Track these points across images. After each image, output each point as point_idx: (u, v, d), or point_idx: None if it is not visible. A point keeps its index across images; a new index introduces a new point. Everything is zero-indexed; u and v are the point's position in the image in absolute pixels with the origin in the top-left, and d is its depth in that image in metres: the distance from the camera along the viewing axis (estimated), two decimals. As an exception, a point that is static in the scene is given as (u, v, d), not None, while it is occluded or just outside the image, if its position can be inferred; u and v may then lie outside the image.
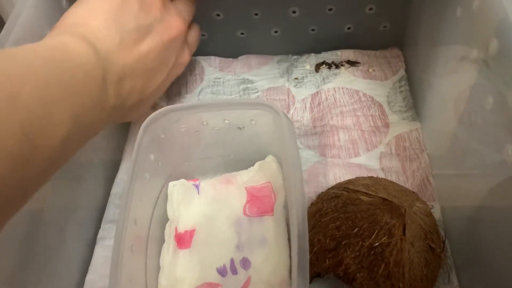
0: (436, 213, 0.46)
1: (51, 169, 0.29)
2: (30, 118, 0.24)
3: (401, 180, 0.49)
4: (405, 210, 0.37)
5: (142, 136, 0.42)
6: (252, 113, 0.45)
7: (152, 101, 0.45)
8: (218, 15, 0.58)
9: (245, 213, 0.46)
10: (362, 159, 0.51)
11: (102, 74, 0.31)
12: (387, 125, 0.54)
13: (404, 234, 0.37)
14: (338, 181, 0.48)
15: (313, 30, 0.60)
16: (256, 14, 0.58)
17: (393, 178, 0.49)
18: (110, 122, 0.36)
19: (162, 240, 0.45)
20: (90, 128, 0.32)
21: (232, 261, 0.43)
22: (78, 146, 0.32)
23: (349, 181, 0.43)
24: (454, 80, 0.47)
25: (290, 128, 0.41)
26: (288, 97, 0.59)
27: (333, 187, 0.44)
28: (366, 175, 0.48)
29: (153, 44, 0.39)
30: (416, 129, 0.53)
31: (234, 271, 0.43)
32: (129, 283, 0.36)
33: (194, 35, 0.48)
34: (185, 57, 0.46)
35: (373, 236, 0.37)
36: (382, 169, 0.50)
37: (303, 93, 0.59)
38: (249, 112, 0.45)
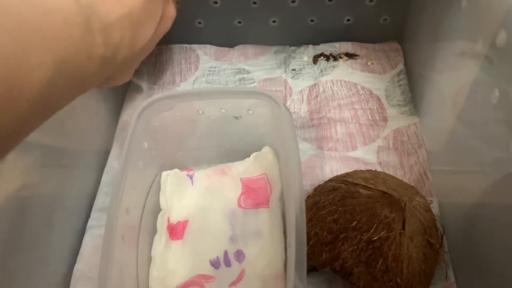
0: (434, 209, 0.45)
1: (35, 118, 0.27)
2: (3, 59, 0.23)
3: (398, 175, 0.48)
4: (405, 204, 0.36)
5: (136, 122, 0.41)
6: (249, 102, 0.44)
7: (142, 58, 0.45)
8: (216, 2, 0.57)
9: (239, 205, 0.45)
10: (359, 153, 0.50)
11: (85, 20, 0.30)
12: (385, 119, 0.53)
13: (404, 229, 0.36)
14: (335, 174, 0.47)
15: (312, 21, 0.59)
16: (255, 3, 0.57)
17: (390, 172, 0.48)
18: (102, 78, 0.35)
19: (154, 231, 0.44)
20: (78, 78, 0.30)
21: (225, 253, 0.42)
22: (67, 97, 0.30)
23: (347, 174, 0.42)
24: (453, 76, 0.46)
25: (289, 118, 0.40)
26: (285, 89, 0.57)
27: (330, 180, 0.43)
28: (363, 169, 0.47)
29: None
30: (415, 123, 0.53)
31: (228, 263, 0.42)
32: (120, 273, 0.35)
33: None
34: (171, 11, 0.46)
35: (372, 230, 0.36)
36: (380, 163, 0.49)
37: (300, 84, 0.58)
38: (247, 101, 0.44)
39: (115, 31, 0.35)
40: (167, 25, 0.46)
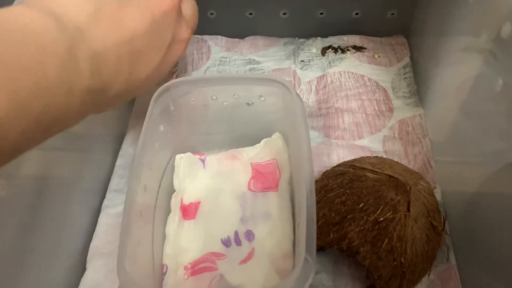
0: (437, 196, 0.47)
1: None
2: None
3: (403, 163, 0.49)
4: (410, 188, 0.38)
5: (153, 106, 0.43)
6: (262, 89, 0.46)
7: (147, 89, 0.38)
8: (228, -7, 0.59)
9: (249, 188, 0.47)
10: (365, 142, 0.52)
11: (68, 49, 0.26)
12: (391, 110, 0.55)
13: (409, 211, 0.38)
14: (342, 161, 0.49)
15: (321, 13, 0.61)
16: (265, -5, 0.59)
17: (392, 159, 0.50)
18: (89, 111, 0.30)
19: (168, 210, 0.45)
20: (50, 116, 0.25)
21: (236, 233, 0.44)
22: (35, 138, 0.26)
23: (355, 160, 0.44)
24: (458, 69, 0.48)
25: (300, 105, 0.42)
26: (294, 79, 0.59)
27: (338, 165, 0.45)
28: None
29: (141, 18, 0.33)
30: (419, 114, 0.54)
31: (238, 242, 0.43)
32: (138, 246, 0.37)
33: (190, 8, 0.41)
34: (184, 33, 0.39)
35: (378, 211, 0.38)
36: (385, 152, 0.51)
37: (309, 75, 0.59)
38: (259, 88, 0.45)
39: (110, 59, 0.30)
40: (179, 50, 0.39)
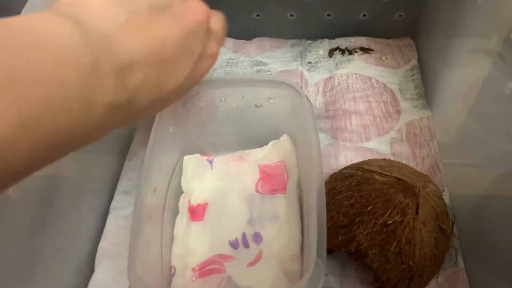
0: (445, 199, 0.47)
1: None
2: None
3: (411, 166, 0.49)
4: (419, 190, 0.38)
5: (163, 107, 0.43)
6: (270, 91, 0.46)
7: (175, 100, 0.36)
8: (234, -4, 0.59)
9: (257, 190, 0.47)
10: (373, 144, 0.52)
11: (91, 62, 0.24)
12: (398, 112, 0.55)
13: (417, 214, 0.38)
14: (349, 163, 0.49)
15: (328, 15, 0.61)
16: (274, -3, 0.59)
17: (400, 162, 0.50)
18: (112, 126, 0.28)
19: (176, 211, 0.46)
20: (66, 133, 0.23)
21: (244, 235, 0.44)
22: (47, 156, 0.24)
23: (363, 162, 0.44)
24: (466, 71, 0.48)
25: (309, 107, 0.42)
26: (301, 81, 0.59)
27: (346, 167, 0.45)
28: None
29: (173, 27, 0.31)
30: (427, 117, 0.54)
31: (246, 244, 0.44)
32: (148, 247, 0.37)
33: (219, 22, 0.39)
34: (213, 47, 0.36)
35: (387, 214, 0.38)
36: (393, 154, 0.51)
37: (316, 77, 0.60)
38: (268, 90, 0.46)
39: (137, 72, 0.28)
40: (207, 64, 0.37)
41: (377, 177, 0.40)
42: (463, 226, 0.45)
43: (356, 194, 0.40)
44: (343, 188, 0.41)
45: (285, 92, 0.44)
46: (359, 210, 0.39)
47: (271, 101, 0.47)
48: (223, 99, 0.47)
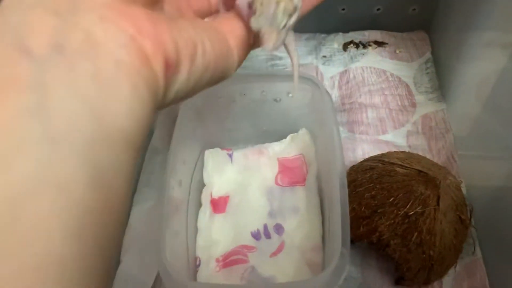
0: (462, 190, 0.48)
1: None
2: None
3: (427, 158, 0.50)
4: (440, 182, 0.39)
5: (183, 103, 0.44)
6: (289, 86, 0.46)
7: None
8: (251, -10, 0.59)
9: (277, 183, 0.48)
10: (389, 137, 0.53)
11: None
12: (413, 105, 0.56)
13: (438, 205, 0.38)
14: (367, 156, 0.50)
15: (343, 9, 0.61)
16: (289, -9, 0.59)
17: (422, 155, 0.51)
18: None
19: (199, 204, 0.47)
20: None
21: (265, 226, 0.45)
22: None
23: (383, 155, 0.45)
24: (481, 64, 0.49)
25: (329, 101, 0.43)
26: (317, 74, 0.60)
27: (366, 160, 0.46)
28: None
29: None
30: (442, 109, 0.55)
31: (268, 235, 0.45)
32: (175, 238, 0.38)
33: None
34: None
35: (408, 206, 0.39)
36: (409, 146, 0.52)
37: (331, 71, 0.60)
38: (287, 84, 0.46)
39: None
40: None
41: (398, 169, 0.41)
42: (480, 216, 0.45)
43: (377, 186, 0.41)
44: (365, 180, 0.42)
45: (304, 86, 0.45)
46: (381, 201, 0.40)
47: (290, 95, 0.47)
48: (242, 94, 0.48)
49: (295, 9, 0.20)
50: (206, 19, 0.25)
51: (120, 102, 0.15)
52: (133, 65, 0.15)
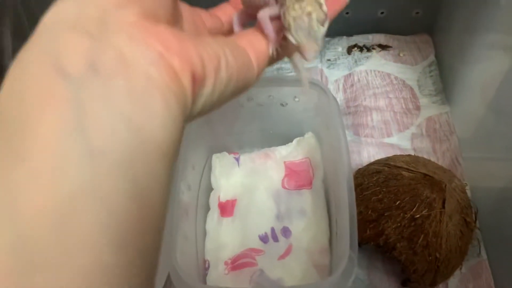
0: (467, 192, 0.48)
1: None
2: None
3: (432, 160, 0.51)
4: (445, 186, 0.40)
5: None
6: (296, 90, 0.47)
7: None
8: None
9: (283, 186, 0.49)
10: (394, 139, 0.53)
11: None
12: (418, 108, 0.56)
13: (444, 208, 0.39)
14: (372, 159, 0.51)
15: (347, 13, 0.62)
16: (293, -4, 0.60)
17: (424, 157, 0.51)
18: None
19: (207, 207, 0.47)
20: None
21: (273, 229, 0.46)
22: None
23: (388, 158, 0.46)
24: (485, 66, 0.49)
25: (335, 105, 0.43)
26: (322, 78, 0.61)
27: (372, 163, 0.46)
28: (399, 154, 0.50)
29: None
30: (446, 112, 0.56)
31: (275, 238, 0.45)
32: (185, 241, 0.39)
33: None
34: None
35: (414, 209, 0.39)
36: (414, 149, 0.52)
37: (336, 74, 0.61)
38: (294, 89, 0.47)
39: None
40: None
41: (404, 173, 0.42)
42: (485, 218, 0.46)
43: (384, 189, 0.41)
44: (371, 184, 0.42)
45: (310, 90, 0.46)
46: (387, 205, 0.40)
47: (296, 99, 0.48)
48: (249, 98, 0.48)
49: (326, 16, 0.21)
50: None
51: (153, 116, 0.15)
52: (163, 81, 0.16)
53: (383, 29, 0.64)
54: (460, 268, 0.43)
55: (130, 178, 0.14)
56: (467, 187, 0.48)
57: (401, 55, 0.62)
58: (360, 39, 0.64)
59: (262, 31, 0.22)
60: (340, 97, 0.58)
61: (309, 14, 0.20)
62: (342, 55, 0.63)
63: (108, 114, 0.14)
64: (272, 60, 0.23)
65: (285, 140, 0.52)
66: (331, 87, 0.59)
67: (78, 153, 0.13)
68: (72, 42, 0.15)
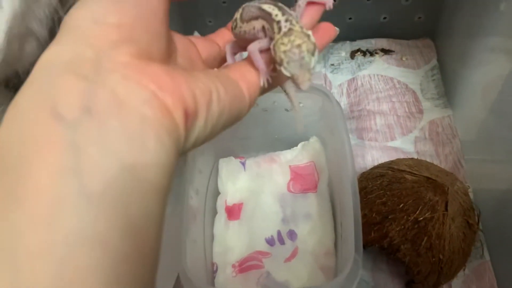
0: (469, 194, 0.49)
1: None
2: None
3: (434, 163, 0.52)
4: (448, 188, 0.40)
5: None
6: (301, 96, 0.48)
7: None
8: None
9: (289, 190, 0.50)
10: (398, 143, 0.54)
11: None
12: (421, 111, 0.57)
13: (446, 210, 0.40)
14: (376, 162, 0.52)
15: (350, 18, 0.63)
16: (297, 1, 0.61)
17: (427, 160, 0.52)
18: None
19: (215, 211, 0.48)
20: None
21: (279, 232, 0.47)
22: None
23: (392, 162, 0.46)
24: (486, 70, 0.50)
25: (339, 111, 0.44)
26: (325, 83, 0.61)
27: (376, 167, 0.47)
28: (402, 158, 0.51)
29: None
30: (448, 115, 0.56)
31: (282, 241, 0.46)
32: (194, 245, 0.40)
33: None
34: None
35: (418, 211, 0.40)
36: (417, 152, 0.53)
37: (339, 78, 0.62)
38: (298, 95, 0.48)
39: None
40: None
41: (407, 176, 0.42)
42: (487, 220, 0.47)
43: (387, 192, 0.42)
44: (375, 188, 0.43)
45: (314, 96, 0.46)
46: (391, 207, 0.41)
47: (301, 104, 0.49)
48: (255, 104, 0.49)
49: (315, 46, 0.22)
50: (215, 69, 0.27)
51: (147, 154, 0.16)
52: (156, 119, 0.16)
53: (385, 34, 0.65)
54: (464, 270, 0.44)
55: (124, 217, 0.15)
56: (469, 190, 0.49)
57: (404, 59, 0.63)
58: (363, 44, 0.65)
59: (252, 63, 0.23)
60: (344, 101, 0.59)
61: (298, 46, 0.21)
62: (345, 60, 0.64)
63: (103, 156, 0.15)
64: (264, 90, 0.24)
65: (290, 144, 0.53)
66: (335, 91, 0.60)
67: (74, 196, 0.14)
68: (67, 84, 0.15)
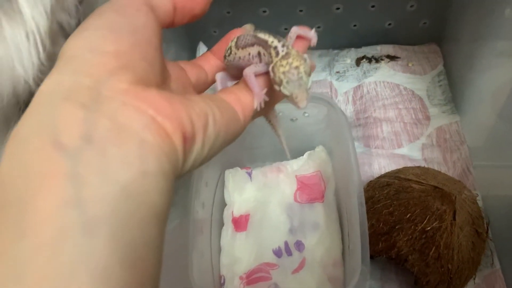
0: (478, 201, 0.49)
1: None
2: None
3: (442, 170, 0.51)
4: (455, 197, 0.40)
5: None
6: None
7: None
8: (264, 11, 0.61)
9: (295, 200, 0.50)
10: (405, 150, 0.54)
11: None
12: (427, 118, 0.57)
13: (454, 219, 0.40)
14: (383, 170, 0.51)
15: (355, 25, 0.63)
16: (301, 11, 0.61)
17: (435, 168, 0.52)
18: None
19: (221, 223, 0.48)
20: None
21: (286, 243, 0.47)
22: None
23: (399, 171, 0.46)
24: (493, 75, 0.50)
25: (345, 120, 0.44)
26: (331, 90, 0.61)
27: (383, 176, 0.47)
28: (409, 165, 0.50)
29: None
30: (456, 122, 0.56)
31: (289, 252, 0.46)
32: (201, 258, 0.40)
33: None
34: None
35: (425, 221, 0.40)
36: (425, 159, 0.53)
37: (345, 86, 0.62)
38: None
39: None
40: None
41: (414, 185, 0.42)
42: (497, 228, 0.46)
43: (395, 202, 0.42)
44: (382, 197, 0.43)
45: (319, 106, 0.46)
46: (399, 217, 0.41)
47: (306, 114, 0.49)
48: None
49: (310, 68, 0.23)
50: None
51: (147, 179, 0.16)
52: (156, 143, 0.17)
53: (391, 40, 0.65)
54: (474, 279, 0.43)
55: (125, 245, 0.15)
56: (478, 197, 0.49)
57: (410, 65, 0.62)
58: (368, 51, 0.65)
59: (246, 86, 0.24)
60: (349, 109, 0.59)
61: (296, 67, 0.22)
62: (351, 67, 0.63)
63: (104, 184, 0.15)
64: (257, 114, 0.25)
65: (296, 154, 0.53)
66: (341, 99, 0.60)
67: (76, 226, 0.14)
68: (67, 113, 0.16)
